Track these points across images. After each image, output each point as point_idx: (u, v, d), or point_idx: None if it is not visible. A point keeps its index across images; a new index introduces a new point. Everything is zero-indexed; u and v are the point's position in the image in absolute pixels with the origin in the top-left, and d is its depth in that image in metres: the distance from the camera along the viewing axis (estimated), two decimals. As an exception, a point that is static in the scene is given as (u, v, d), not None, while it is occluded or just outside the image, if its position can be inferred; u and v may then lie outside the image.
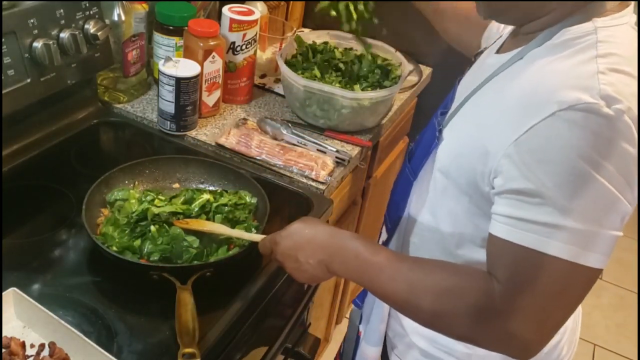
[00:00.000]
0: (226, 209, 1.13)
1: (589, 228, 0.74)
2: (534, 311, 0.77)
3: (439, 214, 0.95)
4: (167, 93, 1.36)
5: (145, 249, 1.04)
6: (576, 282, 0.76)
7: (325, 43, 1.68)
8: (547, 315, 0.78)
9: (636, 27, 0.84)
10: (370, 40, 1.67)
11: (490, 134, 0.81)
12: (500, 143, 0.78)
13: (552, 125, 0.73)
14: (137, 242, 1.05)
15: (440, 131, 0.94)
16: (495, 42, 1.05)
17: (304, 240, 0.92)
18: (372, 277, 0.88)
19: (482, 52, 1.07)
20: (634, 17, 0.84)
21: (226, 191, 1.19)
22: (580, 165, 0.72)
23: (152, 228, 1.06)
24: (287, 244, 0.94)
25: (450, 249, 0.95)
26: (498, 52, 0.95)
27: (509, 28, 1.00)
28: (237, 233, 1.07)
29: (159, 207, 1.10)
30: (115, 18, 1.40)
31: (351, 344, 1.26)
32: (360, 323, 1.21)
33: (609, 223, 0.75)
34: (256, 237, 1.03)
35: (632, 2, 0.85)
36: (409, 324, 1.06)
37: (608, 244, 0.76)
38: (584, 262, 0.75)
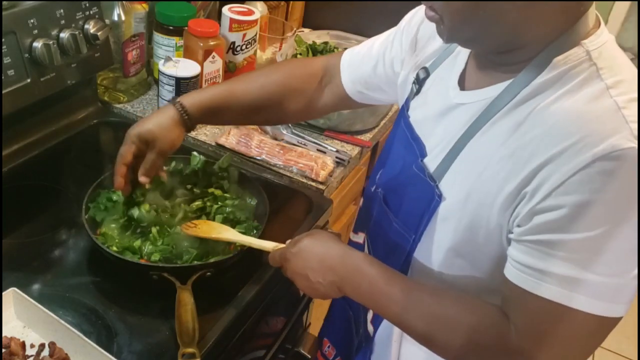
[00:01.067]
0: (226, 209, 1.13)
1: (614, 281, 0.71)
2: (550, 357, 0.75)
3: (449, 271, 0.89)
4: (167, 93, 1.36)
5: (146, 249, 1.04)
6: (598, 332, 0.74)
7: (325, 43, 1.68)
8: None
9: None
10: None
11: (508, 189, 0.75)
12: (525, 199, 0.73)
13: (586, 179, 0.68)
14: (137, 243, 1.05)
15: (437, 186, 0.85)
16: (431, 63, 0.94)
17: (314, 259, 0.90)
18: (385, 306, 0.86)
19: (425, 77, 0.94)
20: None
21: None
22: (611, 220, 0.68)
23: (153, 229, 1.06)
24: (297, 262, 0.91)
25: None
26: (464, 88, 0.86)
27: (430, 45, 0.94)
28: (248, 240, 1.03)
29: (159, 207, 1.10)
30: (115, 18, 1.40)
31: None
32: None
33: (633, 272, 0.71)
34: (267, 244, 1.01)
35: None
36: None
37: (632, 291, 0.72)
38: (609, 314, 0.72)
